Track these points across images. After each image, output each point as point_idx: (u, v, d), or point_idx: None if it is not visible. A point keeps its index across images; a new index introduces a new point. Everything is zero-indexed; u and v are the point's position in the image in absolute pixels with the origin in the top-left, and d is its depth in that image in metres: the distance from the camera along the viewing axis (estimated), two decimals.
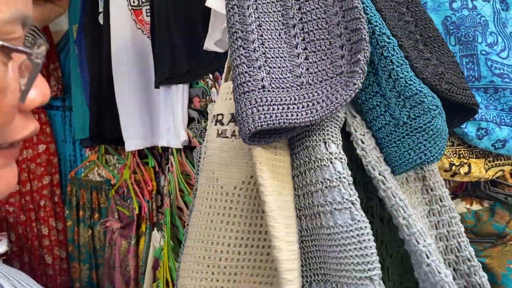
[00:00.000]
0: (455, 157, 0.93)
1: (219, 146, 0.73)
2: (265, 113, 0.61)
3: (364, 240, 0.59)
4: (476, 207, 1.15)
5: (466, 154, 0.95)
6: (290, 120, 0.61)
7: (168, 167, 1.29)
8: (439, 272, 0.63)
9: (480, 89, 0.92)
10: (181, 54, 1.16)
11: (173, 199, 1.29)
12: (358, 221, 0.61)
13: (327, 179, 0.63)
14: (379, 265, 0.59)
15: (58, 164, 2.04)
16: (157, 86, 1.26)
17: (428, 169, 0.81)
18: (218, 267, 0.70)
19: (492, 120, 0.90)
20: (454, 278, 0.79)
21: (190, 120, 1.21)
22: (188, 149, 1.24)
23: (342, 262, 0.61)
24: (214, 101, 1.11)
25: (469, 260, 0.79)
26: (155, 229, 1.44)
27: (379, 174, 0.67)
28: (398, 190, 0.68)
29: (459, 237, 0.80)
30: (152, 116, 1.33)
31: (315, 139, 0.66)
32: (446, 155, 0.90)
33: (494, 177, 1.00)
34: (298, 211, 0.69)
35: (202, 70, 1.16)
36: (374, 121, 0.70)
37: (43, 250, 1.99)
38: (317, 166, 0.65)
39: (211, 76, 1.14)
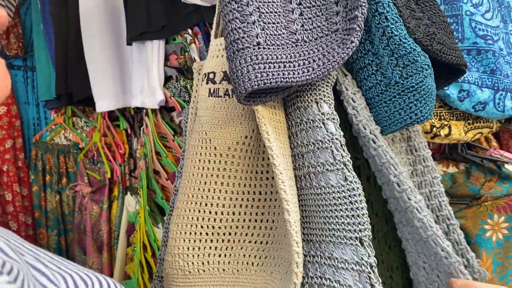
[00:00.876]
0: (436, 119, 0.95)
1: (212, 105, 0.71)
2: (261, 72, 0.59)
3: (356, 201, 0.59)
4: (452, 169, 1.19)
5: (447, 116, 0.97)
6: (287, 79, 0.59)
7: (143, 129, 1.25)
8: (430, 227, 0.64)
9: (463, 50, 0.93)
10: (157, 7, 1.10)
11: (149, 162, 1.25)
12: (351, 181, 0.60)
13: (320, 141, 0.63)
14: (369, 226, 0.59)
15: (21, 127, 1.95)
16: (129, 43, 1.20)
17: (413, 130, 0.82)
18: (213, 227, 0.70)
19: (474, 82, 0.92)
20: None
21: (167, 79, 1.16)
22: (165, 109, 1.20)
23: (332, 222, 0.61)
24: (195, 59, 1.07)
25: (448, 218, 0.82)
26: (128, 193, 1.41)
27: (370, 132, 0.67)
28: (388, 149, 0.68)
29: (440, 197, 0.82)
30: (124, 75, 1.27)
31: (307, 100, 0.65)
32: None
33: (472, 140, 1.03)
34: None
35: (180, 25, 1.10)
36: (365, 80, 0.69)
37: (7, 216, 1.92)
38: (309, 127, 0.64)
39: (190, 31, 1.08)
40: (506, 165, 1.14)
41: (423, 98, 0.63)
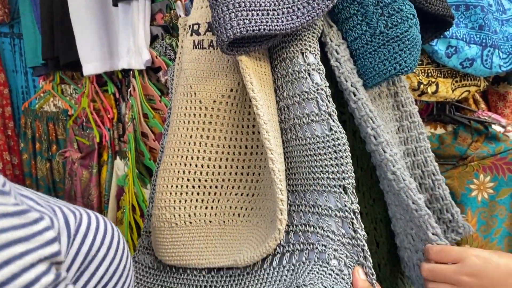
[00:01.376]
0: (423, 76, 0.94)
1: (196, 58, 0.70)
2: (243, 19, 0.58)
3: (340, 150, 0.60)
4: (440, 131, 1.20)
5: (435, 73, 0.96)
6: (270, 27, 0.58)
7: (130, 91, 1.23)
8: (403, 179, 0.65)
9: (452, 6, 0.93)
10: None
11: (137, 125, 1.25)
12: (335, 131, 0.61)
13: (305, 92, 0.63)
14: (353, 175, 0.60)
15: (9, 95, 1.93)
16: (115, 4, 1.18)
17: (400, 85, 0.82)
18: (199, 180, 0.70)
19: (462, 38, 0.92)
20: (419, 192, 0.83)
21: (153, 38, 1.14)
22: (151, 70, 1.19)
23: (316, 171, 0.61)
24: (180, 15, 1.05)
25: (433, 174, 0.83)
26: (117, 157, 1.40)
27: (351, 85, 0.66)
28: (369, 102, 0.68)
29: (426, 152, 0.83)
30: (111, 37, 1.25)
31: (293, 50, 0.64)
32: (415, 73, 0.91)
33: (460, 98, 1.03)
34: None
35: None
36: (350, 31, 0.69)
37: None
38: (295, 79, 0.64)
39: None
40: (493, 126, 1.14)
41: (407, 48, 0.63)
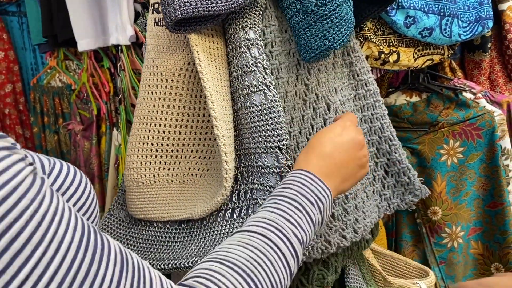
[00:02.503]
0: (385, 45, 0.99)
1: (157, 34, 0.78)
2: (185, 2, 0.64)
3: (275, 117, 0.67)
4: (415, 99, 1.25)
5: (396, 43, 1.01)
6: (210, 8, 0.65)
7: (120, 66, 1.32)
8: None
9: None
10: None
11: (127, 97, 1.33)
12: (271, 100, 0.68)
13: (245, 65, 0.70)
14: (287, 137, 0.68)
15: (19, 72, 2.04)
16: None
17: (355, 56, 0.88)
18: (162, 145, 0.78)
19: (420, 8, 0.96)
20: (377, 157, 0.89)
21: (137, 15, 1.22)
22: (137, 45, 1.26)
23: (256, 136, 0.69)
24: None
25: (390, 139, 0.88)
26: (114, 129, 1.50)
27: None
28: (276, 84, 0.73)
29: (382, 119, 0.88)
30: (103, 13, 1.33)
31: (235, 27, 0.71)
32: (375, 43, 0.97)
33: (423, 66, 1.08)
34: (231, 95, 0.76)
35: None
36: (287, 9, 0.74)
37: None
38: (238, 53, 0.71)
39: None
40: (463, 93, 1.19)
41: (336, 25, 0.69)
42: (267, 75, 0.69)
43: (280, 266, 0.49)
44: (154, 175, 0.79)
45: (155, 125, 0.78)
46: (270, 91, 0.68)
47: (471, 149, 1.18)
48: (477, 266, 1.24)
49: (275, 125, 0.67)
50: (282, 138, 0.67)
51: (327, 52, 0.71)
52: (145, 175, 0.79)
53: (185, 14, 0.64)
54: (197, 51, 0.69)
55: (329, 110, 0.80)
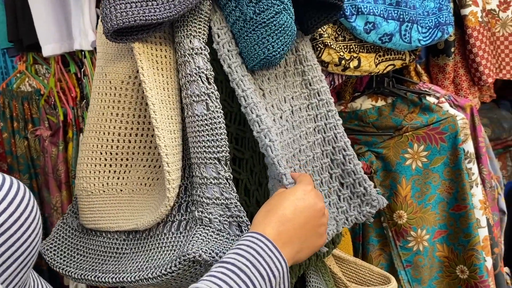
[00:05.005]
0: (346, 51, 0.99)
1: (105, 41, 0.77)
2: (121, 11, 0.63)
3: (216, 128, 0.67)
4: (380, 103, 1.25)
5: (357, 49, 1.01)
6: (148, 17, 0.64)
7: (83, 71, 1.30)
8: (279, 166, 0.69)
9: None
10: None
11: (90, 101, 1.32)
12: (213, 111, 0.68)
13: (189, 74, 0.69)
14: (227, 148, 0.68)
15: None
16: None
17: (307, 64, 0.87)
18: (111, 154, 0.77)
19: (379, 14, 0.96)
20: (331, 168, 0.88)
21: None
22: None
23: (197, 146, 0.69)
24: None
25: (344, 149, 0.87)
26: (81, 134, 1.48)
27: (228, 66, 0.72)
28: (246, 81, 0.72)
29: (335, 129, 0.88)
30: (67, 18, 1.31)
31: (180, 35, 0.70)
32: (335, 49, 0.96)
33: (385, 71, 1.08)
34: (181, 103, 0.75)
35: None
36: (228, 16, 0.73)
37: None
38: (182, 62, 0.70)
39: None
40: (427, 97, 1.19)
41: (274, 33, 0.68)
42: (210, 85, 0.68)
43: None
44: (103, 184, 0.78)
45: (104, 133, 0.77)
46: (212, 102, 0.68)
47: (435, 153, 1.18)
48: (443, 269, 1.24)
49: (216, 136, 0.67)
50: (222, 149, 0.67)
51: (267, 61, 0.70)
52: (94, 184, 0.78)
53: (122, 24, 0.63)
54: (140, 60, 0.68)
55: (281, 117, 0.80)
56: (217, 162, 0.66)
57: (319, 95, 0.88)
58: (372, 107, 1.25)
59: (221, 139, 0.66)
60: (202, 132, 0.67)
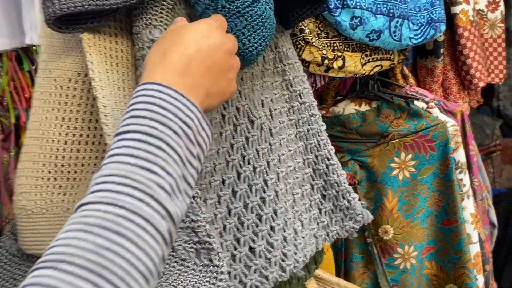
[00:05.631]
0: (329, 49, 0.89)
1: (50, 33, 0.64)
2: None
3: None
4: (364, 108, 1.16)
5: (341, 47, 0.91)
6: (99, 1, 0.53)
7: (35, 68, 1.17)
8: None
9: None
10: None
11: None
12: None
13: None
14: None
15: None
16: None
17: (288, 63, 0.78)
18: (55, 165, 0.65)
19: (367, 8, 0.86)
20: (313, 179, 0.79)
21: None
22: None
23: None
24: None
25: (328, 158, 0.79)
26: None
27: None
28: None
29: (319, 136, 0.79)
30: (19, 10, 1.18)
31: (139, 25, 0.59)
32: (317, 48, 0.86)
33: (372, 73, 0.99)
34: None
35: None
36: (196, 4, 0.63)
37: None
38: (140, 56, 0.59)
39: None
40: (415, 102, 1.11)
41: (251, 25, 0.58)
42: None
43: (147, 239, 0.36)
44: (46, 202, 0.65)
45: (47, 141, 0.64)
46: None
47: (424, 163, 1.10)
48: None
49: None
50: None
51: (242, 58, 0.59)
52: (35, 202, 0.65)
53: (66, 10, 0.51)
54: (90, 54, 0.57)
55: (252, 127, 0.70)
56: None
57: (301, 98, 0.79)
58: (355, 112, 1.15)
59: None
60: None
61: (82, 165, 0.65)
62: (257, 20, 0.58)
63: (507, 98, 1.74)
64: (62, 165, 0.65)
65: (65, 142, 0.64)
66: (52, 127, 0.64)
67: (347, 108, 1.17)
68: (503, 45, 1.32)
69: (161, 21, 0.59)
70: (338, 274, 1.18)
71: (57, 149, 0.64)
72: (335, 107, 1.17)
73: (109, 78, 0.58)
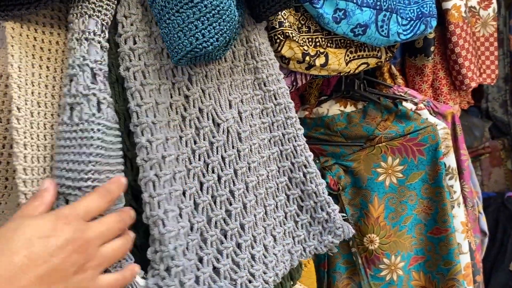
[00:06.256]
0: (310, 45, 0.81)
1: None
2: None
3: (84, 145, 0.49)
4: (350, 109, 1.08)
5: (324, 43, 0.83)
6: None
7: None
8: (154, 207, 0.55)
9: None
10: None
11: None
12: (85, 121, 0.49)
13: (71, 65, 0.49)
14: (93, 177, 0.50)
15: None
16: None
17: (261, 59, 0.71)
18: None
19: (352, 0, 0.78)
20: (289, 188, 0.72)
21: None
22: None
23: (59, 167, 0.50)
24: None
25: (305, 166, 0.72)
26: None
27: (125, 69, 0.55)
28: (145, 92, 0.56)
29: (295, 141, 0.72)
30: None
31: (74, 13, 0.51)
32: (298, 43, 0.78)
33: (357, 71, 0.91)
34: None
35: None
36: None
37: None
38: (69, 48, 0.51)
39: None
40: (404, 103, 1.03)
41: (206, 18, 0.50)
42: (94, 84, 0.50)
43: None
44: None
45: None
46: (88, 109, 0.49)
47: (412, 168, 1.02)
48: None
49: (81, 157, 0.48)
50: (85, 177, 0.48)
51: (197, 54, 0.51)
52: None
53: None
54: (12, 46, 0.48)
55: (218, 131, 0.62)
56: (77, 193, 0.47)
57: (275, 98, 0.72)
58: (340, 113, 1.07)
59: (88, 162, 0.47)
60: (67, 148, 0.48)
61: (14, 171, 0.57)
62: (213, 12, 0.50)
63: (496, 99, 1.69)
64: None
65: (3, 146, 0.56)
66: None
67: (332, 109, 1.09)
68: (496, 44, 1.24)
69: (100, 11, 0.51)
70: (321, 286, 1.10)
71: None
72: (319, 108, 1.09)
73: (35, 75, 0.49)
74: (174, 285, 0.52)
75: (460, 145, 1.07)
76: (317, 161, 1.05)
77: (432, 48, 1.09)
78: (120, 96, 0.57)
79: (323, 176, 1.05)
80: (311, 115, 1.09)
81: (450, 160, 1.02)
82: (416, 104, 1.03)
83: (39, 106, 0.49)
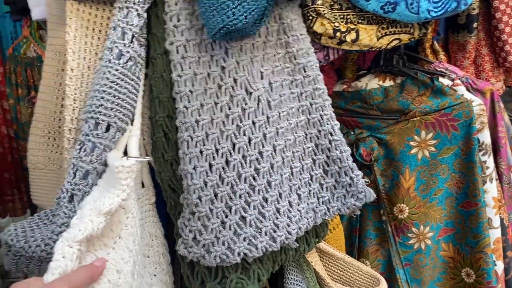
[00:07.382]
0: (342, 22, 0.87)
1: (50, 3, 0.68)
2: None
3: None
4: (388, 83, 1.12)
5: (355, 20, 0.88)
6: None
7: None
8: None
9: None
10: None
11: None
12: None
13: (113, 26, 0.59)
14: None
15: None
16: None
17: (292, 35, 0.77)
18: (53, 126, 0.70)
19: None
20: (315, 154, 0.79)
21: None
22: None
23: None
24: None
25: (331, 134, 0.78)
26: None
27: (170, 44, 0.64)
28: (185, 64, 0.65)
29: (322, 110, 0.78)
30: None
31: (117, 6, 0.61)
32: (329, 19, 0.84)
33: (389, 46, 0.95)
34: None
35: None
36: None
37: None
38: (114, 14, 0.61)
39: None
40: (440, 79, 1.06)
41: None
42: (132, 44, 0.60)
43: None
44: (45, 159, 0.70)
45: (49, 104, 0.69)
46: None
47: (445, 142, 1.05)
48: (447, 270, 1.12)
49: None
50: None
51: (228, 30, 0.59)
52: (37, 158, 0.71)
53: None
54: (70, 18, 0.60)
55: (249, 98, 0.70)
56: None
57: (305, 71, 0.78)
58: (378, 88, 1.12)
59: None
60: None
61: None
62: None
63: None
64: (59, 127, 0.69)
65: (62, 106, 0.69)
66: (52, 91, 0.69)
67: (370, 83, 1.13)
68: None
69: (135, 2, 0.60)
70: (352, 250, 1.17)
71: (55, 111, 0.69)
72: (358, 82, 1.14)
73: (87, 43, 0.60)
74: (196, 226, 0.62)
75: (498, 122, 1.08)
76: (352, 133, 1.12)
77: (475, 25, 1.09)
78: (168, 67, 0.67)
79: (357, 147, 1.11)
80: (349, 89, 1.15)
81: (484, 136, 1.03)
82: (452, 80, 1.05)
83: (89, 69, 0.60)
